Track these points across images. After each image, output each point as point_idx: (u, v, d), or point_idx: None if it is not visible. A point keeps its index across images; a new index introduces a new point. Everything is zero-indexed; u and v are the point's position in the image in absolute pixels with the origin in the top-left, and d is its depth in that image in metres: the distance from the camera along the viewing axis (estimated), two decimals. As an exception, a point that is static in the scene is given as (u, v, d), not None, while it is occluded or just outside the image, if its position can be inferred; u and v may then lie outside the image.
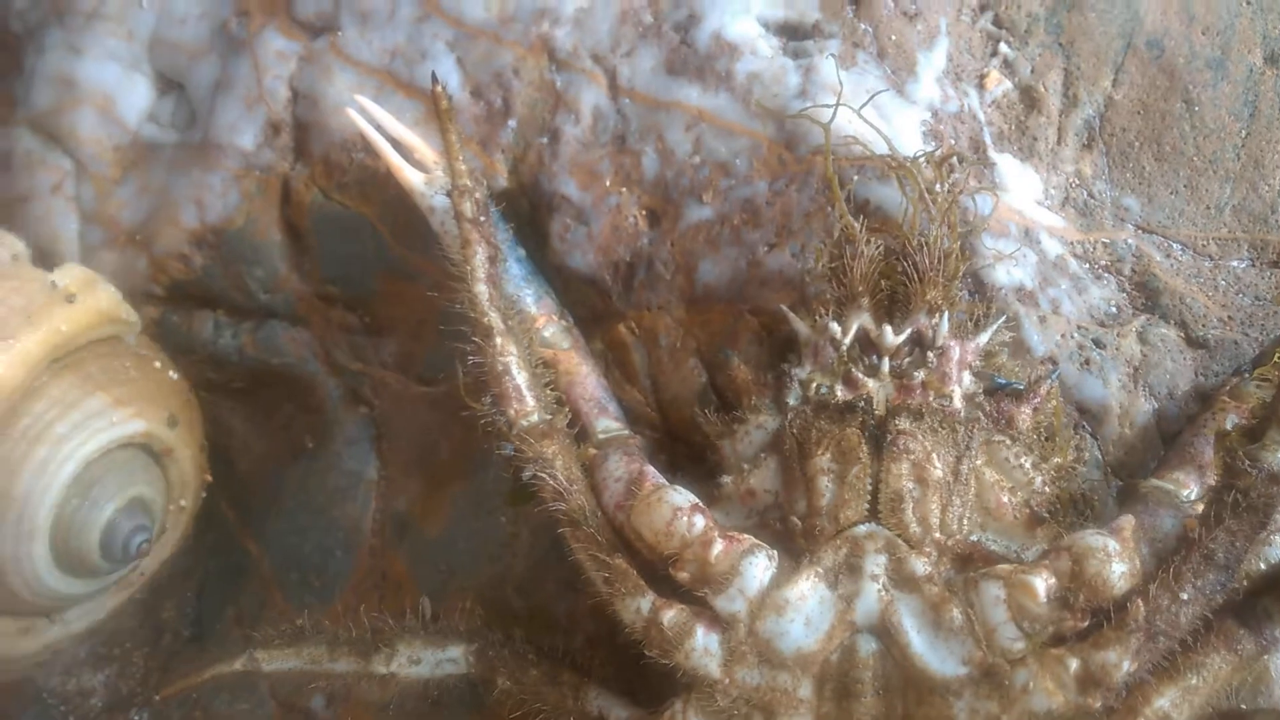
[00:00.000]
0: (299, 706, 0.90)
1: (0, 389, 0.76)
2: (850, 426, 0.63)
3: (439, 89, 0.73)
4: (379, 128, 0.82)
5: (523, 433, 0.69)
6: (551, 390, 0.73)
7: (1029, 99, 0.83)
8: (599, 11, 0.85)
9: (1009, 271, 0.76)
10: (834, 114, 0.72)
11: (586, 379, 0.77)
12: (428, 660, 0.70)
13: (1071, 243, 0.80)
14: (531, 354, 0.72)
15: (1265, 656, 0.62)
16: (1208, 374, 0.76)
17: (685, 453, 0.80)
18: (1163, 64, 0.83)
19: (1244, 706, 0.63)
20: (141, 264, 0.93)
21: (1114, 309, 0.78)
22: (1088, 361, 0.75)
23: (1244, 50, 0.83)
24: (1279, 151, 0.81)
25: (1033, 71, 0.84)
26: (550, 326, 0.79)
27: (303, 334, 0.92)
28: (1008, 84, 0.84)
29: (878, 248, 0.69)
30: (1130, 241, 0.80)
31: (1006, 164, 0.81)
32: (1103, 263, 0.80)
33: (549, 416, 0.70)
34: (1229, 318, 0.78)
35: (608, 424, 0.76)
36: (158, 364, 0.89)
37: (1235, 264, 0.80)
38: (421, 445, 0.89)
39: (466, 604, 0.73)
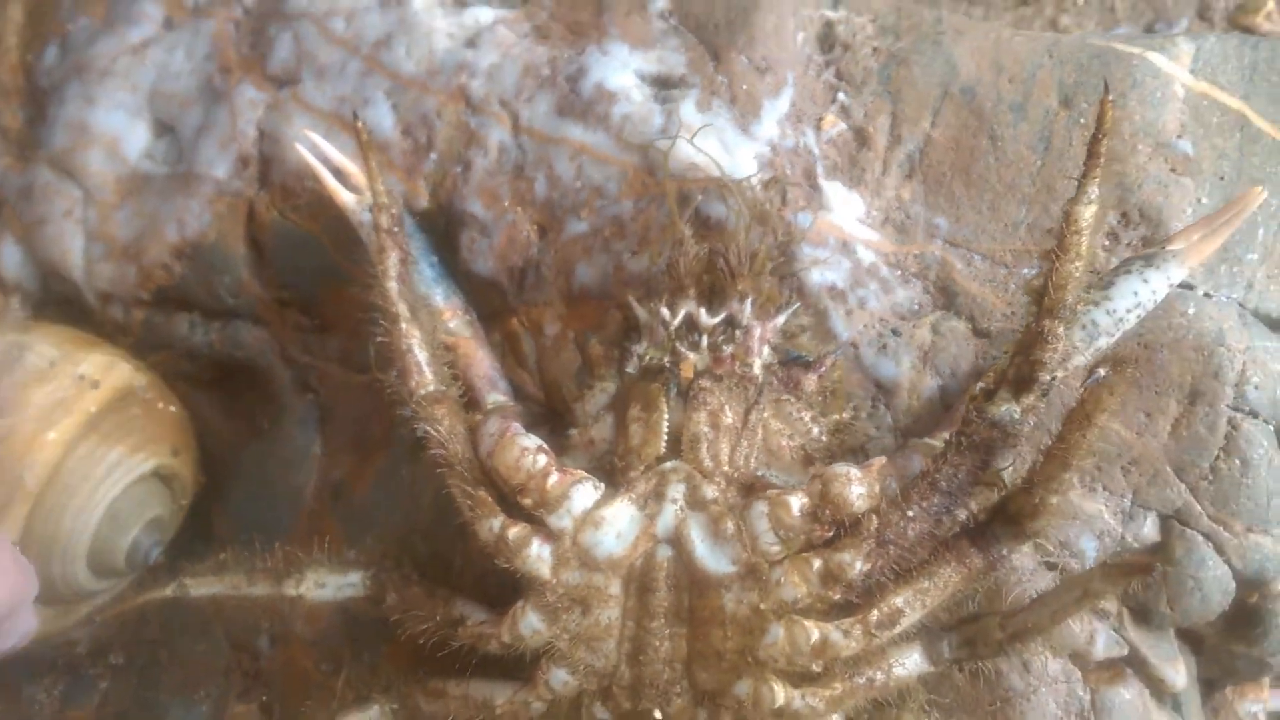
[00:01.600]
0: (248, 646, 1.06)
1: (47, 464, 0.98)
2: (656, 384, 0.79)
3: (359, 124, 0.91)
4: (324, 158, 1.00)
5: (420, 400, 0.86)
6: (450, 369, 0.89)
7: (861, 137, 1.00)
8: (507, 67, 1.04)
9: (823, 274, 0.92)
10: (673, 144, 0.91)
11: (481, 362, 0.94)
12: (331, 584, 0.85)
13: (886, 254, 0.96)
14: (434, 339, 0.89)
15: (994, 573, 0.77)
16: (986, 358, 0.91)
17: (563, 425, 0.96)
18: (974, 107, 1.00)
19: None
20: (132, 273, 1.12)
21: (916, 306, 0.94)
22: (884, 346, 0.91)
23: (1042, 95, 1.00)
24: (1068, 179, 0.97)
25: (865, 115, 1.01)
26: (454, 320, 0.96)
27: (262, 332, 1.10)
28: (843, 125, 1.01)
29: (703, 249, 0.86)
30: (937, 254, 0.96)
31: (834, 190, 0.97)
32: (912, 270, 0.96)
33: (443, 388, 0.87)
34: (1012, 313, 0.93)
35: (496, 397, 0.92)
36: (160, 404, 1.09)
37: (1026, 271, 0.95)
38: (356, 425, 1.06)
39: (368, 542, 0.89)
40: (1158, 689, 0.86)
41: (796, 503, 0.74)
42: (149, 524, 1.06)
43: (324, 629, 1.01)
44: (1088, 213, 0.78)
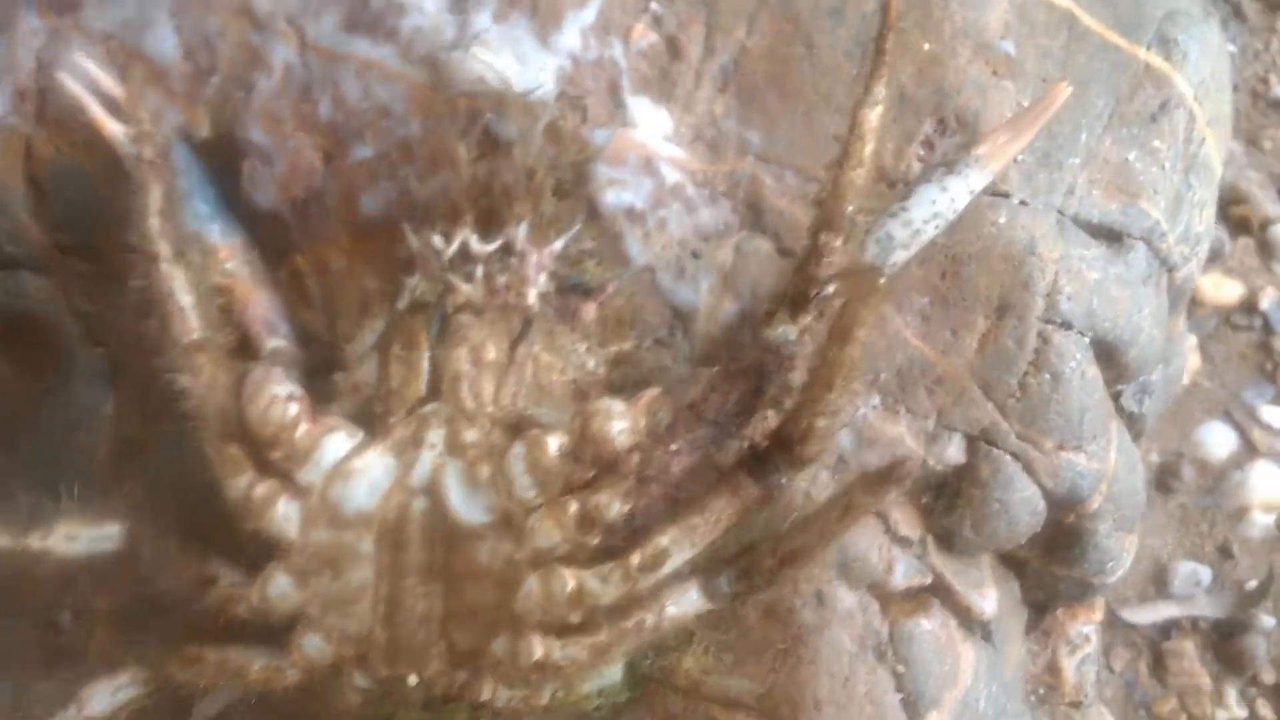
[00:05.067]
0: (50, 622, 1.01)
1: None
2: (418, 320, 0.73)
3: (115, 47, 0.84)
4: (94, 86, 0.92)
5: (182, 349, 0.80)
6: (224, 313, 0.83)
7: (673, 48, 0.93)
8: (293, -22, 0.95)
9: (619, 195, 0.86)
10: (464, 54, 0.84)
11: (259, 304, 0.88)
12: (84, 537, 0.79)
13: (693, 171, 0.89)
14: (202, 280, 0.82)
15: (772, 503, 0.72)
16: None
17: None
18: (789, 15, 0.93)
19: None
20: (-99, 222, 1.03)
21: (721, 226, 0.88)
22: (683, 270, 0.85)
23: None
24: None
25: (678, 24, 0.93)
26: (232, 260, 0.89)
27: (46, 282, 1.02)
28: (654, 36, 0.93)
29: (479, 171, 0.79)
30: (748, 170, 0.90)
31: (639, 105, 0.90)
32: (721, 189, 0.90)
33: (209, 334, 0.80)
34: (821, 228, 0.87)
35: (275, 342, 0.86)
36: None
37: (840, 185, 0.90)
38: (151, 378, 0.99)
39: (127, 489, 0.83)
40: (966, 617, 0.83)
41: (554, 442, 0.68)
42: None
43: (124, 601, 0.95)
44: (873, 115, 0.73)
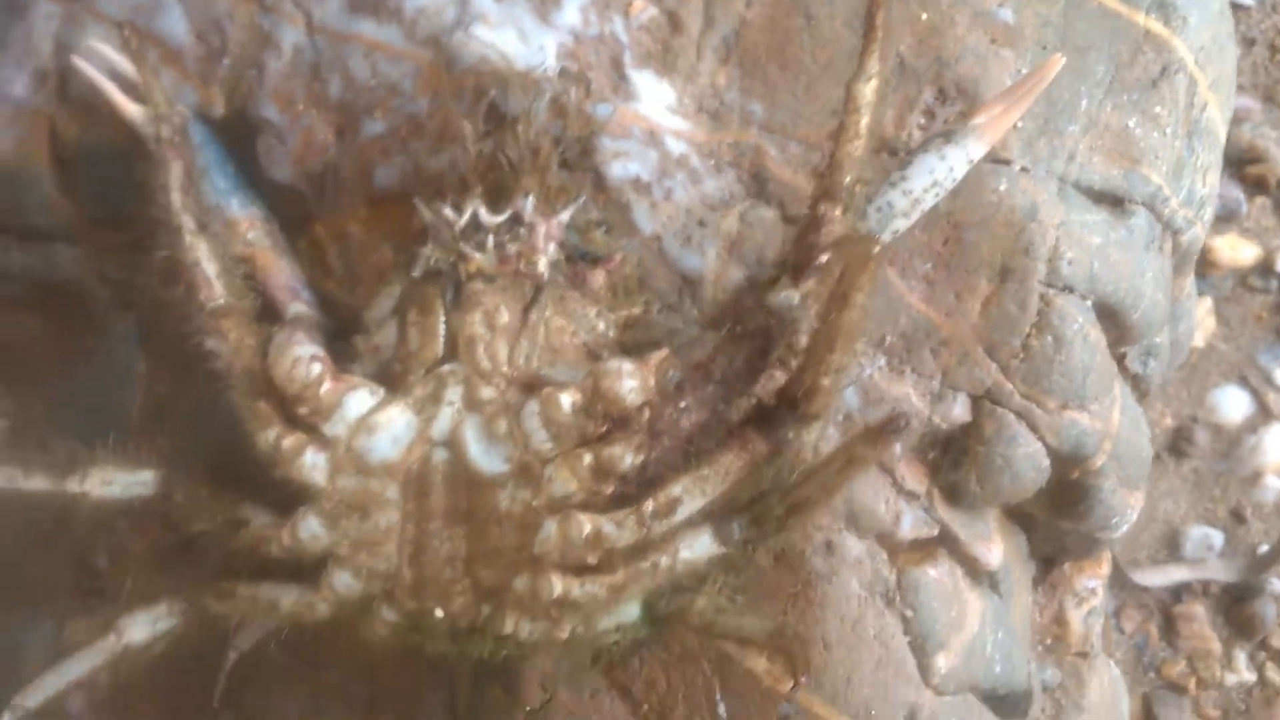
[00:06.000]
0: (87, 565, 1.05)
1: None
2: (433, 287, 0.77)
3: (126, 33, 0.87)
4: (111, 70, 0.95)
5: (208, 313, 0.83)
6: (246, 281, 0.87)
7: (673, 22, 0.96)
8: (297, -36, 0.99)
9: (625, 166, 0.89)
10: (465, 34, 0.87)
11: (281, 272, 0.91)
12: (120, 481, 0.82)
13: (698, 143, 0.93)
14: (226, 251, 0.86)
15: (780, 457, 0.76)
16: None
17: (371, 333, 0.93)
18: (787, -16, 0.96)
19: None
20: (-65, 198, 1.07)
21: (726, 196, 0.91)
22: (689, 239, 0.89)
23: (859, -32, 0.96)
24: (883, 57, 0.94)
25: (677, -1, 0.97)
26: (253, 230, 0.93)
27: (77, 252, 1.06)
28: (654, 10, 0.97)
29: (486, 146, 0.83)
30: (752, 141, 0.93)
31: (642, 79, 0.94)
32: (727, 159, 0.93)
33: (233, 300, 0.85)
34: (824, 196, 0.91)
35: (297, 307, 0.90)
36: None
37: (842, 154, 0.93)
38: (180, 340, 1.03)
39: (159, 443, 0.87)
40: (972, 568, 0.87)
41: (567, 399, 0.72)
42: None
43: (159, 544, 0.99)
44: (867, 89, 0.76)
